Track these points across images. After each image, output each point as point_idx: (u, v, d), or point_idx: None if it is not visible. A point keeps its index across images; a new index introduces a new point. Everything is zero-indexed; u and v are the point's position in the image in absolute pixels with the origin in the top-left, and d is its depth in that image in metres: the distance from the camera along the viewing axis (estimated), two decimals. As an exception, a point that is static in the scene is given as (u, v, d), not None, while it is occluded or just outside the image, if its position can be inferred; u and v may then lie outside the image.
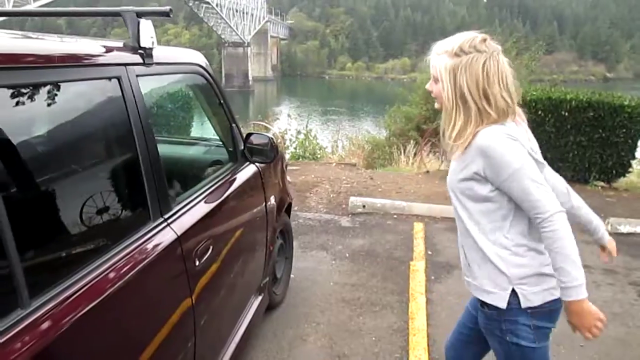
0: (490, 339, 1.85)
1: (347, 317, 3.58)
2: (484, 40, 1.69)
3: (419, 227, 5.43)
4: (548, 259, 1.65)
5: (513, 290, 1.70)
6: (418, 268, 4.37)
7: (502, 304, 1.71)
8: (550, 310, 1.72)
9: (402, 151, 10.55)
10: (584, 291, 1.58)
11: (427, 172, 8.42)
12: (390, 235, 5.19)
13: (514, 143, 1.65)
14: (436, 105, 1.87)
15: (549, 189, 1.63)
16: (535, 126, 7.18)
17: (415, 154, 10.14)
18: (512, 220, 1.72)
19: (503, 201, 1.71)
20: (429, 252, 4.78)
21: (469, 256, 1.82)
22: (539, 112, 7.16)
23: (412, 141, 11.03)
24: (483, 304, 1.79)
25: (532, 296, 1.69)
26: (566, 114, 7.06)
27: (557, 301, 1.69)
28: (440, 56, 1.73)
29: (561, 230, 1.58)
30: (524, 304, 1.69)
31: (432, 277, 4.23)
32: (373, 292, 3.95)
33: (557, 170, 7.02)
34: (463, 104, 1.70)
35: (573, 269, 1.56)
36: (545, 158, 5.91)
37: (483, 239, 1.74)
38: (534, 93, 7.30)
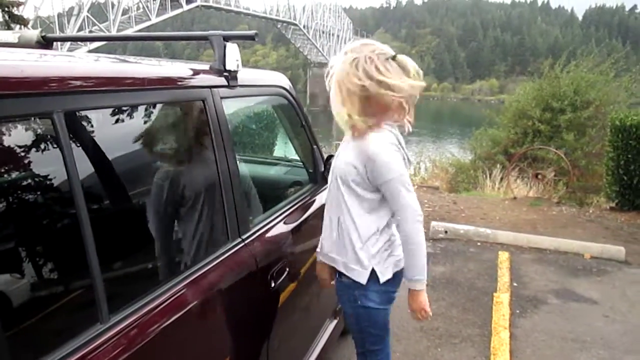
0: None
1: (424, 348, 3.44)
2: None
3: (504, 257, 5.17)
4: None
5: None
6: (502, 300, 4.14)
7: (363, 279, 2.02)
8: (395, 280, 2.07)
9: (488, 175, 10.19)
10: (424, 285, 1.99)
11: (514, 198, 8.06)
12: (473, 264, 4.98)
13: None
14: None
15: None
16: (636, 153, 6.70)
17: (501, 179, 9.75)
18: None
19: None
20: (515, 284, 4.53)
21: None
22: (640, 139, 6.66)
23: (498, 165, 10.63)
24: (341, 274, 2.09)
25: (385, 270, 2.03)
26: (671, 140, 6.53)
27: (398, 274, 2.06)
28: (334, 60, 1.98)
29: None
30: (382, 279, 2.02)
31: (517, 311, 4.00)
32: (453, 323, 3.78)
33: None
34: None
35: (420, 265, 1.95)
36: None
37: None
38: (635, 117, 6.81)
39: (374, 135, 1.91)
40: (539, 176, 9.03)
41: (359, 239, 1.99)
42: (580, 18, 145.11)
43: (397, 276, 2.07)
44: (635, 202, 6.94)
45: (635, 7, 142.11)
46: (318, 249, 2.23)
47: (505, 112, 12.89)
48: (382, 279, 2.01)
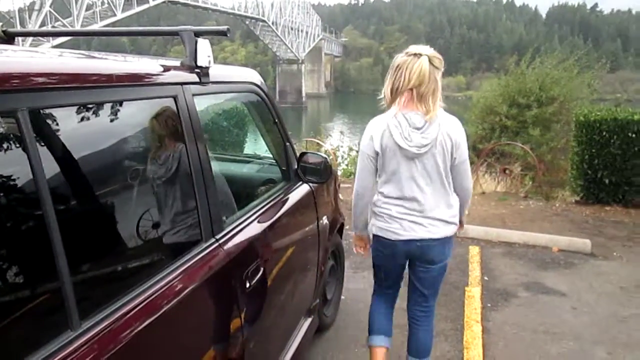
0: None
1: (400, 343, 3.43)
2: None
3: (474, 251, 5.24)
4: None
5: None
6: (473, 294, 4.19)
7: None
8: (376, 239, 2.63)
9: (457, 171, 10.28)
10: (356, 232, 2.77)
11: (483, 193, 8.17)
12: (445, 259, 5.02)
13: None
14: None
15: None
16: (599, 148, 6.87)
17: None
18: None
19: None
20: (485, 278, 4.59)
21: None
22: (604, 133, 6.84)
23: (467, 161, 10.74)
24: None
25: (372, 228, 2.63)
26: (633, 135, 6.71)
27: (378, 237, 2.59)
28: None
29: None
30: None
31: (489, 305, 4.05)
32: (426, 317, 3.80)
33: (622, 194, 6.67)
34: None
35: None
36: (609, 182, 5.84)
37: None
38: (598, 113, 6.98)
39: None
40: (507, 171, 9.17)
41: None
42: (544, 16, 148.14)
43: (377, 237, 2.59)
44: (599, 195, 7.11)
45: (596, 5, 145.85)
46: None
47: (473, 109, 13.05)
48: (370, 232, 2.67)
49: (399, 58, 2.40)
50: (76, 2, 40.91)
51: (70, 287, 1.21)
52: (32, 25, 34.43)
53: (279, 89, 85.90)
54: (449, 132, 2.39)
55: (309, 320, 3.01)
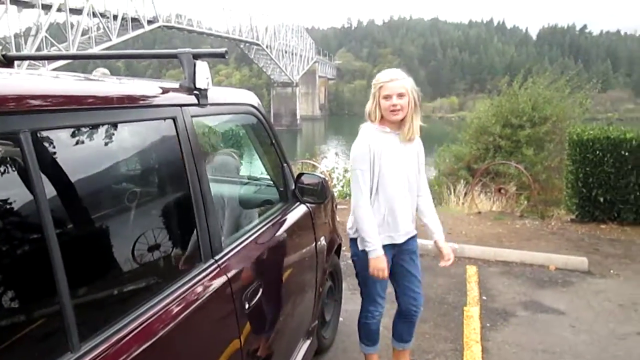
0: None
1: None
2: None
3: (472, 271, 5.22)
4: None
5: None
6: (472, 314, 4.17)
7: None
8: None
9: (452, 191, 10.33)
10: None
11: (479, 212, 8.19)
12: (442, 279, 5.01)
13: None
14: (399, 116, 2.68)
15: None
16: (593, 166, 6.92)
17: (465, 194, 9.90)
18: None
19: None
20: (484, 298, 4.57)
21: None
22: (597, 152, 6.90)
23: (462, 181, 10.80)
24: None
25: None
26: (626, 153, 6.76)
27: None
28: (407, 79, 2.68)
29: None
30: None
31: (488, 324, 4.03)
32: (425, 338, 3.79)
33: (617, 212, 6.74)
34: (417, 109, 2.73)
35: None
36: (604, 200, 6.05)
37: None
38: (591, 132, 7.05)
39: None
40: (502, 190, 9.21)
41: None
42: (534, 37, 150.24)
43: None
44: (594, 213, 7.14)
45: (585, 26, 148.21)
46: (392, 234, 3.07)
47: (467, 129, 13.15)
48: None
49: None
50: (72, 27, 41.22)
51: (71, 309, 1.21)
52: (29, 50, 34.59)
53: (274, 112, 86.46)
54: None
55: (308, 342, 2.98)
